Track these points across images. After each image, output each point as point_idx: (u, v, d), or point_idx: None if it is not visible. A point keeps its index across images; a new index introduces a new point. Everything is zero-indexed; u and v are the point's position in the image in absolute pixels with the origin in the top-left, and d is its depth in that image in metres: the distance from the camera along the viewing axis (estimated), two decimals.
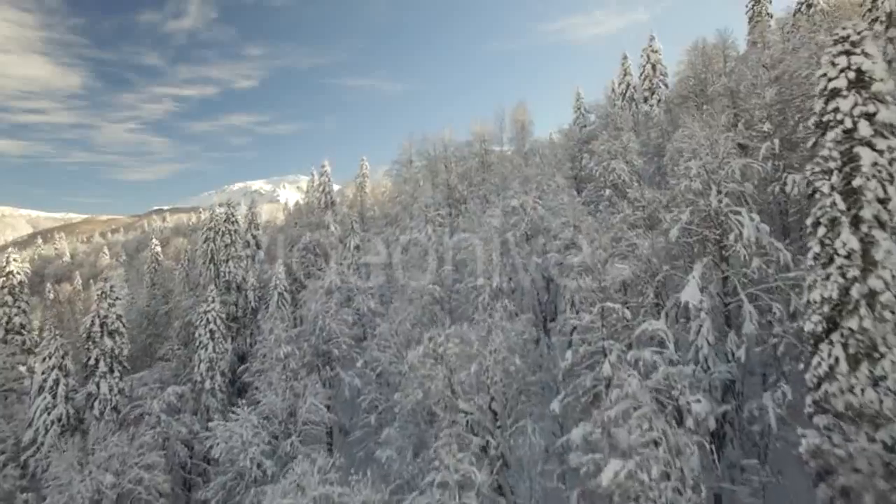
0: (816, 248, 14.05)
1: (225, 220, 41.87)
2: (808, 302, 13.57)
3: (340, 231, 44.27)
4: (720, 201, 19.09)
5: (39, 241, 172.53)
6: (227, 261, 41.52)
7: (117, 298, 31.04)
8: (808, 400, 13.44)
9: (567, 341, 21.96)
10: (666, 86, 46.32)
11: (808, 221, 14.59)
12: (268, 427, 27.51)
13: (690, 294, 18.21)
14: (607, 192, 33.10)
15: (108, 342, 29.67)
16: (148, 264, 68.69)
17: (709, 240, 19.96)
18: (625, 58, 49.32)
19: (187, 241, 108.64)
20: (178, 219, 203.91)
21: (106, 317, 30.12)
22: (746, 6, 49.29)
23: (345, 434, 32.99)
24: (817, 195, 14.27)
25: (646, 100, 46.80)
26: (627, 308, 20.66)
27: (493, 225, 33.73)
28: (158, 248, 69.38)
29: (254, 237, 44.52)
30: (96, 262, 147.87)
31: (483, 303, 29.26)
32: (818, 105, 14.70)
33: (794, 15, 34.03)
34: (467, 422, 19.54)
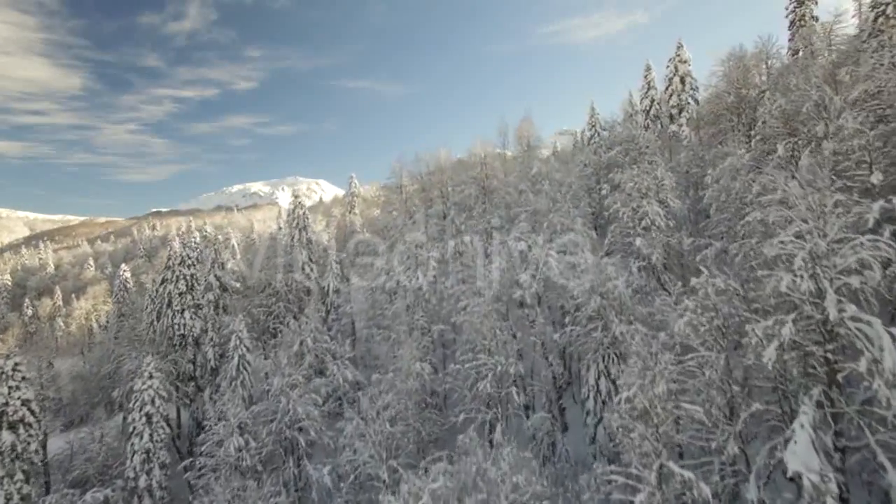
0: None
1: (180, 263, 35.50)
2: None
3: (317, 272, 37.93)
4: (841, 308, 12.73)
5: (24, 250, 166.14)
6: (183, 311, 35.20)
7: (24, 378, 24.68)
8: None
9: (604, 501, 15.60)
10: (696, 102, 39.82)
11: None
12: None
13: (803, 458, 11.88)
14: (638, 241, 26.68)
15: (7, 438, 23.33)
16: (116, 292, 62.63)
17: (815, 357, 13.62)
18: (648, 69, 42.65)
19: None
20: (174, 223, 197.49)
21: (6, 404, 23.79)
22: (786, 8, 42.84)
23: None
24: None
25: (672, 118, 40.30)
26: (692, 463, 14.38)
27: (496, 280, 27.46)
28: (127, 274, 63.11)
29: (217, 278, 38.11)
30: (81, 274, 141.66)
31: (485, 394, 22.96)
32: None
33: (876, 20, 27.49)
34: None
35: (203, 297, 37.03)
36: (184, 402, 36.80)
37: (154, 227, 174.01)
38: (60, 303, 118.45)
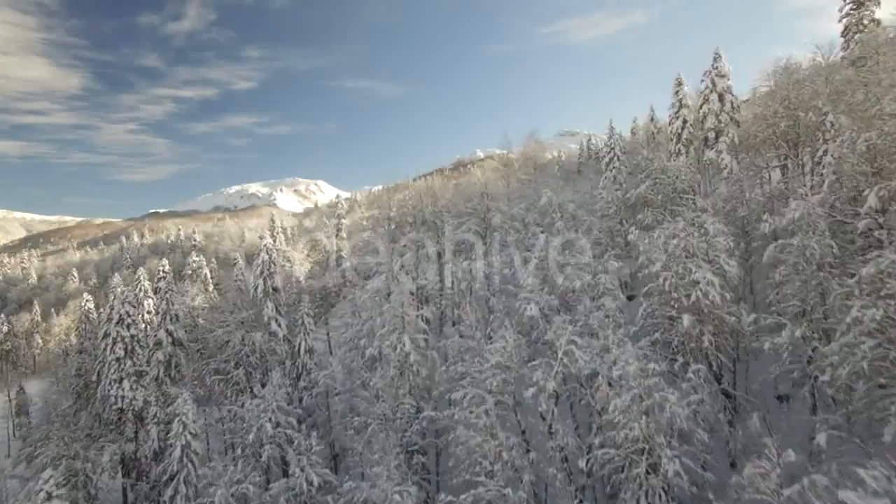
0: None
1: (118, 322, 29.40)
2: None
3: (286, 328, 31.83)
4: None
5: (6, 259, 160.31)
6: (121, 380, 29.16)
7: None
8: None
9: None
10: (737, 123, 33.54)
11: None
12: None
13: None
14: (685, 319, 20.49)
15: None
16: (77, 323, 56.71)
17: None
18: (679, 83, 36.18)
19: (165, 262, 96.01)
20: (169, 226, 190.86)
21: None
22: (840, 10, 36.70)
23: None
24: None
25: (707, 142, 34.05)
26: None
27: (501, 363, 21.35)
28: (91, 304, 56.78)
29: (169, 333, 32.02)
30: (63, 285, 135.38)
31: None
32: None
33: None
34: None
35: (151, 357, 31.01)
36: (131, 483, 30.89)
37: (143, 235, 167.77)
38: (39, 318, 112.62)
